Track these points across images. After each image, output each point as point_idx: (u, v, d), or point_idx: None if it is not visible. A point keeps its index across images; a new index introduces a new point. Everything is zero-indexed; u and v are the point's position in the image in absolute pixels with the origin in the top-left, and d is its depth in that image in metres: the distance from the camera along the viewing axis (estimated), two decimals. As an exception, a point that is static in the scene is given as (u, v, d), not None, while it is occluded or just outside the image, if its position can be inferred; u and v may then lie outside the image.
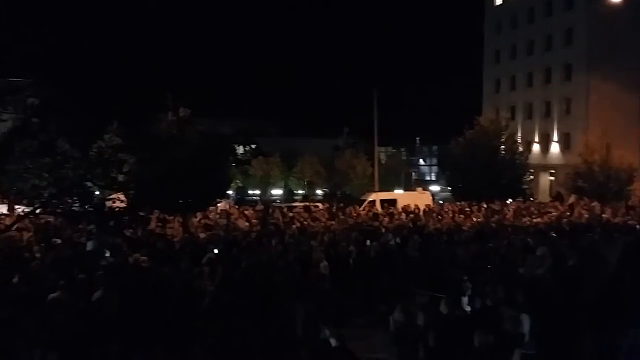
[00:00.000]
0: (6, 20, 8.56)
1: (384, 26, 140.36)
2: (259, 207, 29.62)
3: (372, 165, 39.88)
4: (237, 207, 30.73)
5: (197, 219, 22.12)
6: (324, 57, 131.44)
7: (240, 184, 47.00)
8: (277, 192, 49.93)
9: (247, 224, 22.45)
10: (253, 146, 51.12)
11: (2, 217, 15.47)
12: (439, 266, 12.57)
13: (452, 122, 34.03)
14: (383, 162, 52.17)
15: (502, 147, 27.48)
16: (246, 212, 26.94)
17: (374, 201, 31.37)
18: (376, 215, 25.56)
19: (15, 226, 11.82)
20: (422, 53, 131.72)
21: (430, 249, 15.04)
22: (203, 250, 14.45)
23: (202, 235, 18.60)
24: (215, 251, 14.22)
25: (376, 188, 36.75)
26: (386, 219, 24.07)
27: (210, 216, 24.12)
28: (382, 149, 55.94)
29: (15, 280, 11.08)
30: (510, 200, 29.40)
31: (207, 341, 9.46)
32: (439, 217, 25.15)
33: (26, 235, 16.66)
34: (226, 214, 25.43)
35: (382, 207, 30.05)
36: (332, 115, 62.66)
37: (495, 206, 27.63)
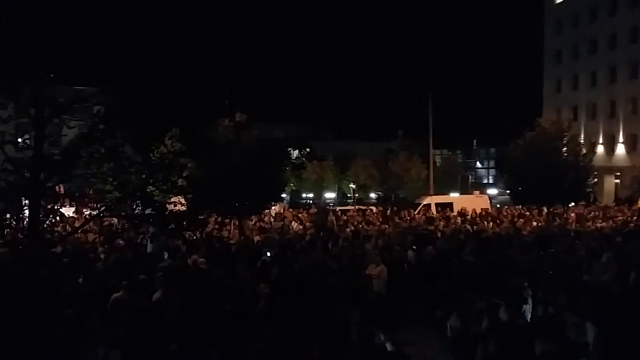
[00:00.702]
0: (72, 31, 8.98)
1: (440, 26, 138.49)
2: (313, 210, 29.73)
3: (427, 168, 39.30)
4: (291, 210, 31.01)
5: (252, 222, 22.47)
6: (377, 59, 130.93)
7: (294, 188, 47.33)
8: (330, 195, 50.00)
9: (301, 227, 22.63)
10: (307, 150, 51.40)
11: (71, 219, 16.20)
12: (497, 272, 12.23)
13: (511, 123, 33.11)
14: (438, 165, 51.34)
15: (564, 149, 26.45)
16: (300, 215, 27.15)
17: (429, 205, 30.92)
18: (431, 218, 25.19)
19: (82, 228, 12.34)
20: (479, 53, 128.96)
21: (488, 254, 14.65)
22: (258, 253, 14.68)
23: (257, 238, 18.89)
24: (269, 254, 14.40)
25: (431, 191, 36.19)
26: (442, 222, 23.69)
27: (265, 219, 24.46)
28: (437, 151, 55.07)
29: (81, 279, 11.55)
30: (573, 203, 28.28)
31: (262, 343, 9.55)
32: (498, 221, 24.52)
33: (91, 236, 17.41)
34: (281, 217, 25.71)
35: (437, 210, 29.58)
36: (386, 117, 62.12)
37: (557, 210, 26.66)
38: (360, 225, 22.48)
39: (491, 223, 23.61)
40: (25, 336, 8.20)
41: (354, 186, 44.06)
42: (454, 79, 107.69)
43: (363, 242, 16.88)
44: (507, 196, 34.23)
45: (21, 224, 8.34)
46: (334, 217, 24.65)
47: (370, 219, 25.69)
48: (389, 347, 7.24)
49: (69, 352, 9.35)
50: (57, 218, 9.64)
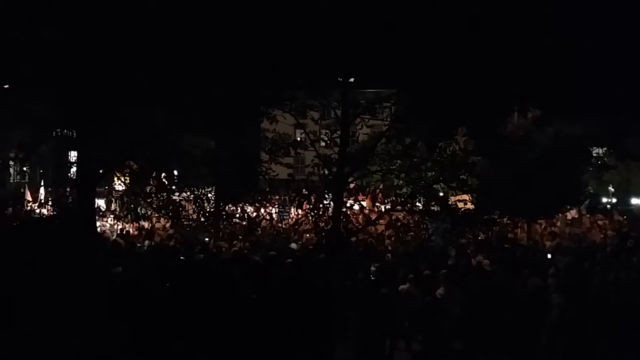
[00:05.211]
0: (369, 38, 9.68)
1: None
2: (617, 217, 26.30)
3: None
4: (589, 216, 27.93)
5: (542, 226, 20.96)
6: None
7: (592, 191, 42.24)
8: (638, 201, 43.27)
9: (601, 235, 20.23)
10: (611, 149, 45.41)
11: (367, 211, 17.54)
12: None
13: None
14: None
15: None
16: (600, 222, 24.30)
17: None
18: None
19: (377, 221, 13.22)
20: None
21: None
22: (548, 260, 13.61)
23: (547, 243, 17.53)
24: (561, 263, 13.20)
25: None
26: None
27: (558, 224, 22.57)
28: None
29: (373, 268, 12.39)
30: None
31: (554, 356, 8.86)
32: None
33: (380, 228, 18.56)
34: (577, 223, 23.44)
35: None
36: None
37: None
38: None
39: None
40: (319, 312, 9.18)
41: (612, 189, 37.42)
42: None
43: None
44: None
45: (326, 215, 9.40)
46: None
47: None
48: None
49: (360, 334, 10.09)
50: (357, 209, 10.55)
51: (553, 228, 21.35)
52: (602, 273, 11.83)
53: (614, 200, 41.42)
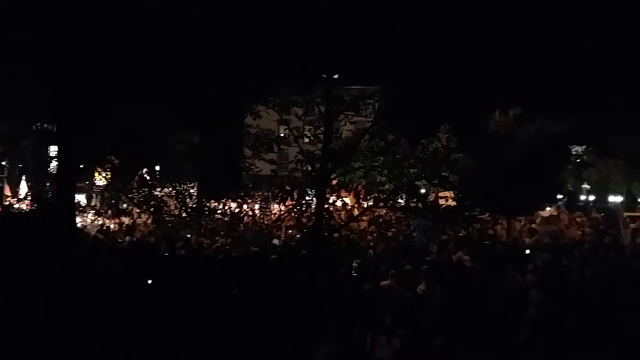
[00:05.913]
0: (352, 36, 9.71)
1: None
2: (595, 214, 26.71)
3: None
4: (567, 213, 28.33)
5: (522, 223, 21.20)
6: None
7: (570, 188, 42.76)
8: (616, 199, 43.94)
9: (579, 232, 20.54)
10: (590, 147, 46.11)
11: (350, 207, 17.59)
12: None
13: None
14: None
15: None
16: (578, 219, 24.68)
17: None
18: None
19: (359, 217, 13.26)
20: None
21: None
22: (527, 257, 13.80)
23: (526, 240, 17.75)
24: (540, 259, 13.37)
25: None
26: None
27: (537, 221, 22.87)
28: None
29: (355, 265, 12.46)
30: None
31: (535, 356, 8.98)
32: None
33: (362, 225, 18.59)
34: (555, 220, 23.76)
35: None
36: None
37: None
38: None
39: None
40: (302, 308, 9.21)
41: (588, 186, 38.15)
42: None
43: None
44: None
45: (308, 211, 9.44)
46: (622, 224, 21.73)
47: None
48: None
49: (342, 329, 10.16)
50: (339, 206, 10.58)
51: (532, 225, 21.62)
52: (580, 269, 12.02)
53: (592, 197, 42.07)
